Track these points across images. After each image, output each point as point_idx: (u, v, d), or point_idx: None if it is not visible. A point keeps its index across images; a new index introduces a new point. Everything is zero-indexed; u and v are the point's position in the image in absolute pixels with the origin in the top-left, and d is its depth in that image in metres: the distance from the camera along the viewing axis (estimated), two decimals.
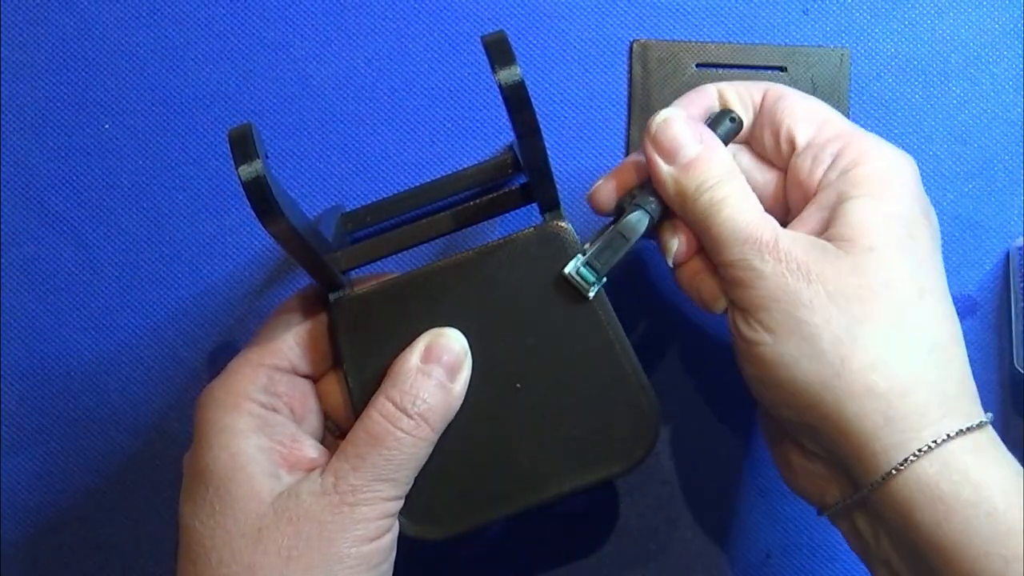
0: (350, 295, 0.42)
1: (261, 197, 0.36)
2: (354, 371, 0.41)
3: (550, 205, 0.42)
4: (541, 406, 0.42)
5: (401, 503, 0.40)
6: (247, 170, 0.35)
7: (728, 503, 0.50)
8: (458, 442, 0.41)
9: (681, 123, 0.40)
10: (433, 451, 0.41)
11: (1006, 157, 0.51)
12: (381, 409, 0.39)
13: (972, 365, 0.50)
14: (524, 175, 0.45)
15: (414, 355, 0.40)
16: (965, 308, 0.51)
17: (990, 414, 0.38)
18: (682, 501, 0.50)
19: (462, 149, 0.51)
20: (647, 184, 0.42)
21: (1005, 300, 0.51)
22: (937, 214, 0.51)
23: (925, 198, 0.41)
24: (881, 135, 0.51)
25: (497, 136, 0.51)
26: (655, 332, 0.51)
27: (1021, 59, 0.51)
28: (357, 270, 0.44)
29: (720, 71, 0.51)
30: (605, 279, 0.41)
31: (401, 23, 0.51)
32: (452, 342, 0.41)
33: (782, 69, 0.51)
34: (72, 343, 0.50)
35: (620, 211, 0.42)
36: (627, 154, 0.51)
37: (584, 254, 0.41)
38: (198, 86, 0.51)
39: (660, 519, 0.50)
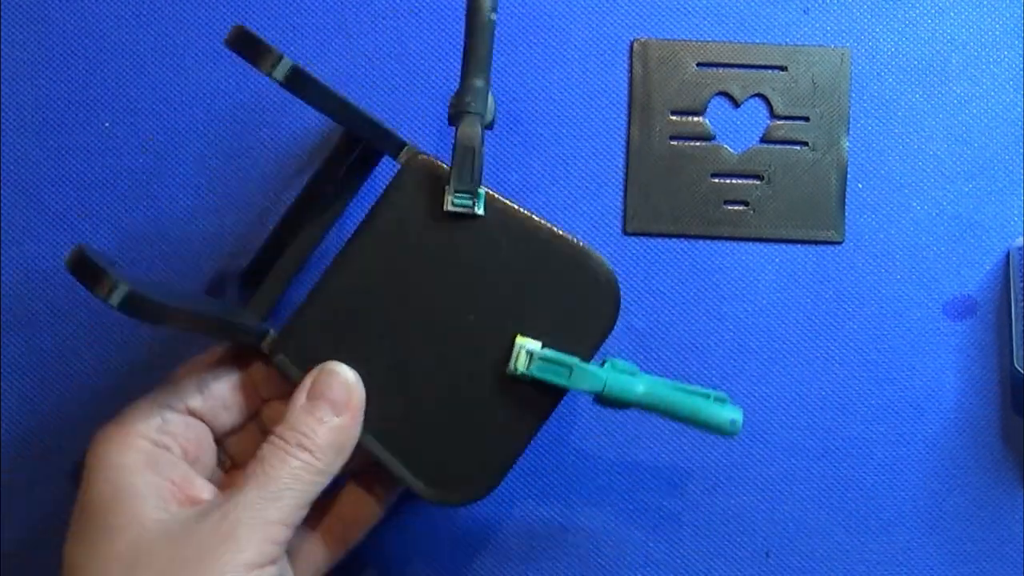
0: (277, 337, 0.42)
1: (140, 309, 0.35)
2: None
3: (397, 147, 0.43)
4: (503, 325, 0.42)
5: (290, 533, 0.39)
6: (113, 297, 0.34)
7: (727, 502, 0.50)
8: (446, 400, 0.42)
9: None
10: (424, 409, 0.41)
11: (1006, 157, 0.51)
12: (272, 444, 0.40)
13: (972, 365, 0.50)
14: (360, 141, 0.45)
15: (301, 394, 0.41)
16: (965, 308, 0.51)
17: None
18: (681, 501, 0.50)
19: None
20: (461, 88, 0.42)
21: (1005, 300, 0.51)
22: (937, 214, 0.51)
23: None
24: (881, 135, 0.51)
25: (499, 132, 0.51)
26: (653, 332, 0.51)
27: (1021, 59, 0.51)
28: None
29: (720, 70, 0.51)
30: (482, 190, 0.42)
31: (401, 21, 0.51)
32: (336, 377, 0.41)
33: (782, 69, 0.51)
34: (72, 342, 0.50)
35: (454, 124, 0.42)
36: (627, 154, 0.51)
37: (449, 184, 0.42)
38: (198, 84, 0.51)
39: (659, 519, 0.50)
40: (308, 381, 0.41)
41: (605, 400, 0.41)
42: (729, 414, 0.41)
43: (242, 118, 0.51)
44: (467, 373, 0.42)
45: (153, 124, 0.51)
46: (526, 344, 0.41)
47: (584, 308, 0.42)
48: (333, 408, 0.41)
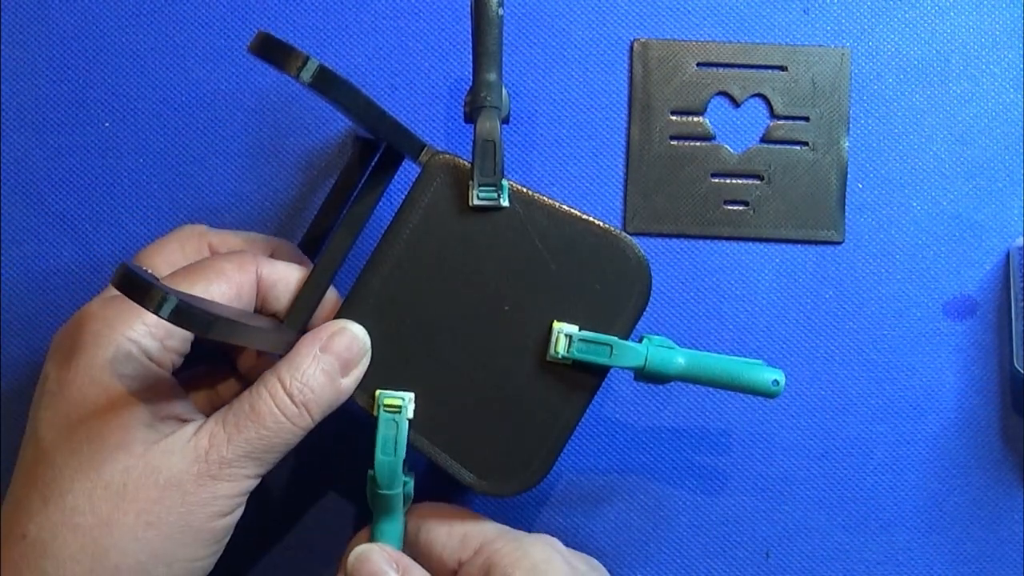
0: None
1: (189, 320, 0.36)
2: None
3: (418, 148, 0.43)
4: (539, 313, 0.42)
5: (258, 482, 0.40)
6: (163, 309, 0.35)
7: (727, 502, 0.50)
8: (490, 391, 0.42)
9: (377, 557, 0.40)
10: (468, 403, 0.42)
11: (1006, 157, 0.51)
12: (271, 388, 0.39)
13: (972, 365, 0.50)
14: (380, 147, 0.45)
15: (314, 344, 0.40)
16: (965, 308, 0.51)
17: None
18: (681, 501, 0.50)
19: (462, 145, 0.51)
20: (475, 83, 0.42)
21: (1005, 300, 0.51)
22: (937, 214, 0.51)
23: None
24: (881, 135, 0.51)
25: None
26: (653, 332, 0.50)
27: (1021, 59, 0.51)
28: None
29: (720, 70, 0.51)
30: (506, 181, 0.42)
31: (401, 21, 0.51)
32: (354, 339, 0.41)
33: (782, 69, 0.51)
34: None
35: (472, 120, 0.43)
36: (627, 154, 0.51)
37: (473, 179, 0.42)
38: (198, 85, 0.51)
39: (660, 519, 0.50)
40: (324, 334, 0.41)
41: (646, 375, 0.42)
42: (771, 375, 0.41)
43: (243, 119, 0.51)
44: (508, 363, 0.42)
45: (153, 125, 0.51)
46: (564, 328, 0.42)
47: (617, 289, 0.42)
48: (343, 367, 0.40)
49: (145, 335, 0.39)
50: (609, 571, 0.50)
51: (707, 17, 0.51)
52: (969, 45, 0.51)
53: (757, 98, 0.51)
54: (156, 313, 0.34)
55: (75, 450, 0.37)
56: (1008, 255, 0.51)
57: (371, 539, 0.42)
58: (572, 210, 0.42)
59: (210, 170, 0.51)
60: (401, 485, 0.41)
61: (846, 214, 0.51)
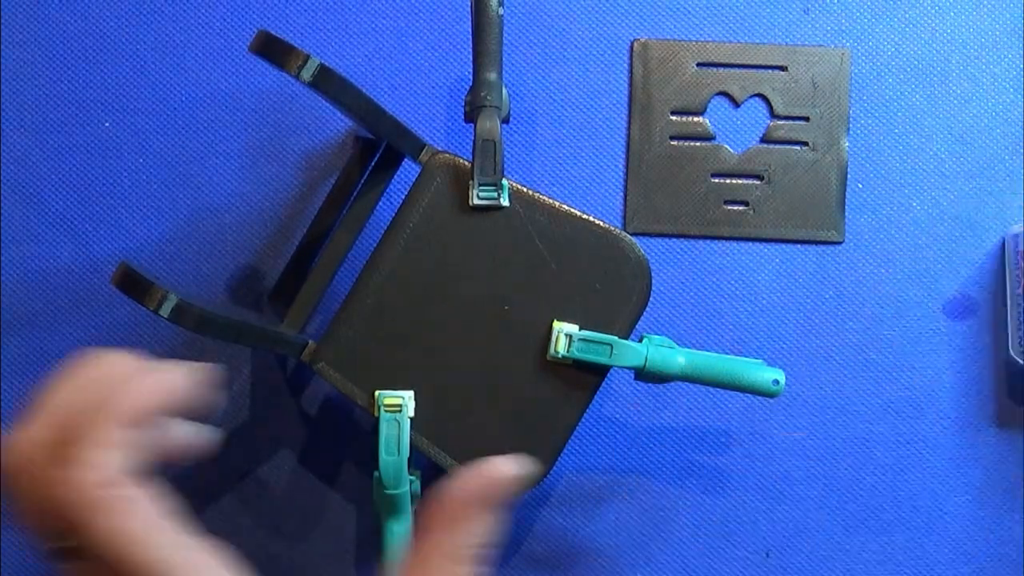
0: (318, 346, 0.43)
1: (189, 319, 0.36)
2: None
3: (418, 148, 0.43)
4: (539, 312, 0.42)
5: None
6: (164, 308, 0.35)
7: (727, 503, 0.50)
8: (491, 391, 0.42)
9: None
10: (469, 403, 0.42)
11: (1006, 157, 0.51)
12: None
13: (970, 362, 0.50)
14: (380, 147, 0.45)
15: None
16: (964, 308, 0.51)
17: None
18: (681, 501, 0.50)
19: (462, 144, 0.51)
20: (475, 83, 0.43)
21: (1003, 299, 0.51)
22: (937, 214, 0.51)
23: None
24: (881, 135, 0.51)
25: None
26: (653, 332, 0.50)
27: (1021, 59, 0.51)
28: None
29: (720, 70, 0.51)
30: (506, 181, 0.42)
31: (401, 21, 0.51)
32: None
33: (782, 69, 0.51)
34: (71, 341, 0.50)
35: (472, 120, 0.43)
36: (627, 154, 0.51)
37: (473, 178, 0.42)
38: (198, 85, 0.51)
39: (659, 519, 0.50)
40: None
41: (647, 375, 0.42)
42: (771, 375, 0.42)
43: (243, 119, 0.51)
44: (508, 363, 0.42)
45: (152, 125, 0.51)
46: (564, 327, 0.42)
47: (617, 288, 0.42)
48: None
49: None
50: (609, 571, 0.50)
51: (707, 17, 0.51)
52: (969, 45, 0.51)
53: (757, 98, 0.51)
54: (156, 311, 0.34)
55: None
56: (1003, 242, 0.51)
57: (382, 541, 0.42)
58: (572, 210, 0.42)
59: (210, 170, 0.51)
60: (408, 484, 0.41)
61: (846, 214, 0.51)
